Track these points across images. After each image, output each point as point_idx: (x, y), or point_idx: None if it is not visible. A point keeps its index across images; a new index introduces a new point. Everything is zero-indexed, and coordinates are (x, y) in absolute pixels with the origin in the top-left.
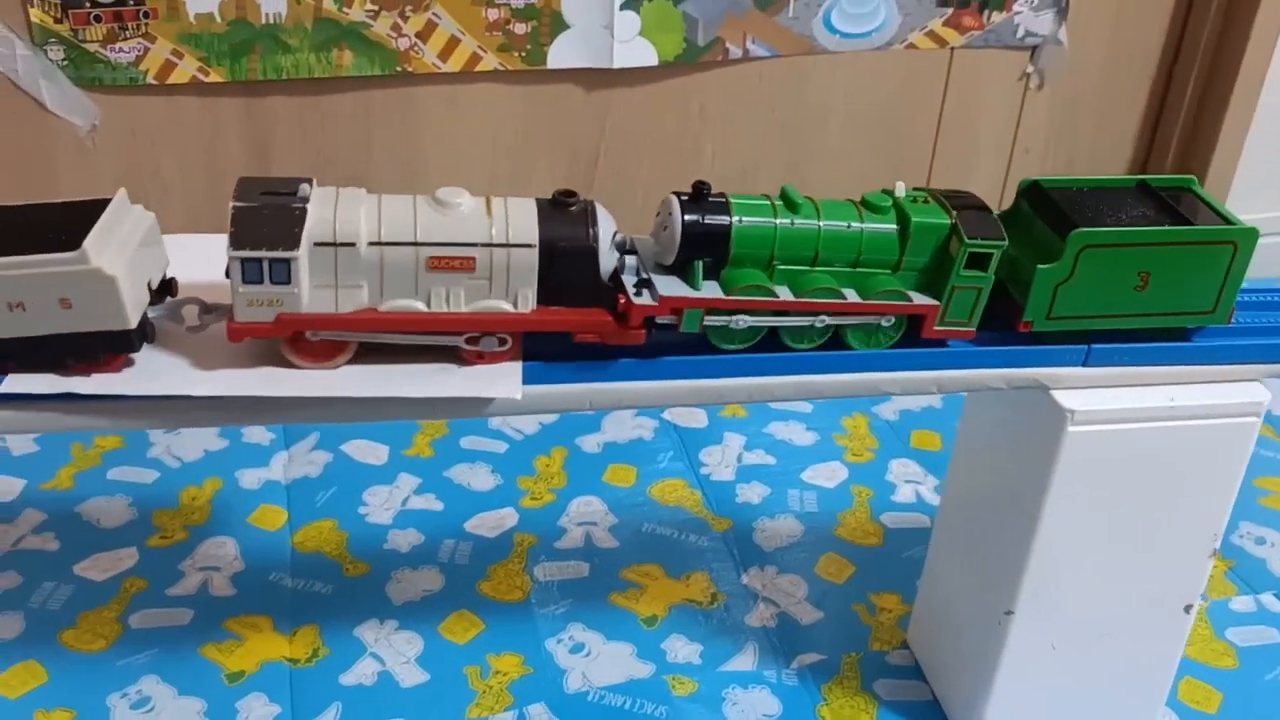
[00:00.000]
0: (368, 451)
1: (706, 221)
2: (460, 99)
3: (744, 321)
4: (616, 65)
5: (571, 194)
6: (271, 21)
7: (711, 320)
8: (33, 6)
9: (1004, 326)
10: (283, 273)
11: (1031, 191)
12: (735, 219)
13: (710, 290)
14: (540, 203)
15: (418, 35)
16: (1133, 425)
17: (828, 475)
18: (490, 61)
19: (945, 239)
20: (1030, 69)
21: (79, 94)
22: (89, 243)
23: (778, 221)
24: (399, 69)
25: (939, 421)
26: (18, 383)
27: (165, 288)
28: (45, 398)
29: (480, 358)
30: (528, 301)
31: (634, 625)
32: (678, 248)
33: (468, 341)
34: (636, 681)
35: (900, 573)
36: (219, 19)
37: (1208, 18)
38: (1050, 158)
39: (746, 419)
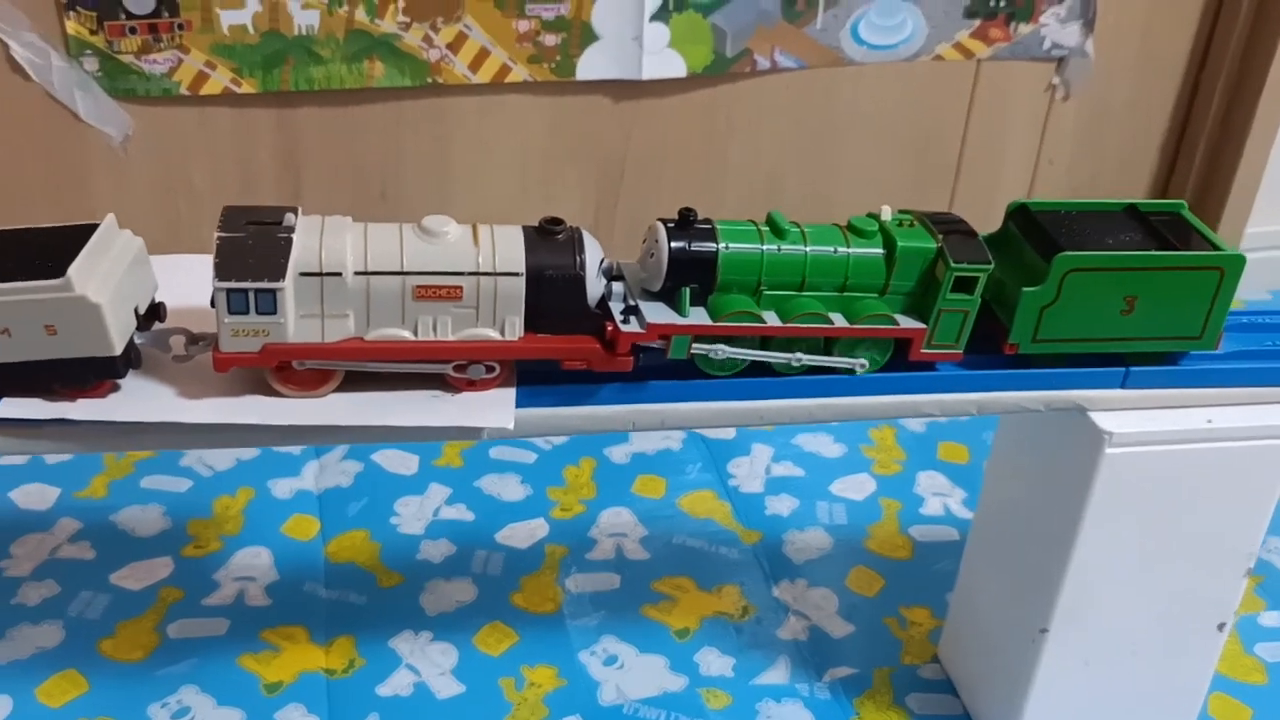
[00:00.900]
0: (398, 461)
1: (693, 248)
2: (490, 110)
3: (723, 352)
4: (645, 76)
5: (558, 221)
6: (304, 33)
7: (699, 348)
8: (69, 19)
9: (990, 349)
10: (269, 303)
11: (1019, 214)
12: (722, 245)
13: (698, 316)
14: (527, 230)
15: (448, 47)
16: (1170, 447)
17: (856, 487)
18: (520, 73)
19: (931, 263)
20: (1056, 80)
21: (113, 105)
22: (74, 270)
23: (764, 247)
24: (430, 80)
25: (966, 434)
26: (11, 407)
27: (154, 312)
28: (39, 422)
29: (470, 384)
30: (515, 329)
31: (666, 638)
32: (664, 274)
33: (455, 369)
34: (670, 694)
35: (930, 586)
36: (252, 30)
37: (1234, 29)
38: (1075, 169)
39: (774, 430)
